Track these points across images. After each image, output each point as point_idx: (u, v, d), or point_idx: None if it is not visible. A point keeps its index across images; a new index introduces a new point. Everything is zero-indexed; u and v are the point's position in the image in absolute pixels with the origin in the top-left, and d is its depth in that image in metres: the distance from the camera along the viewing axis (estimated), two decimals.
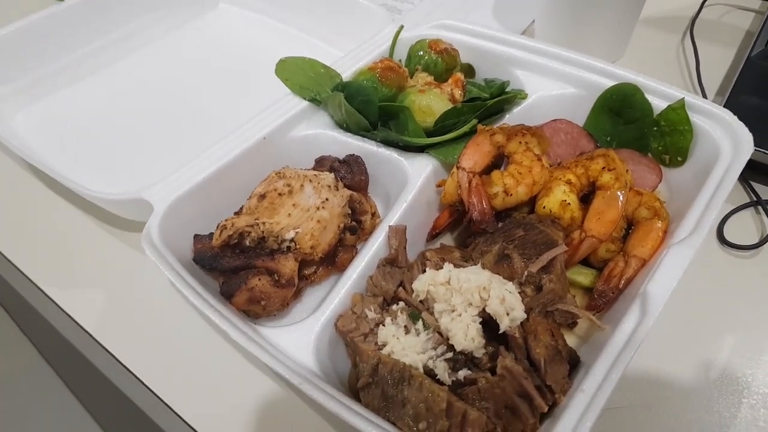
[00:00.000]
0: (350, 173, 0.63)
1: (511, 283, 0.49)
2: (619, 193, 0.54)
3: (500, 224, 0.55)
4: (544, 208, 0.55)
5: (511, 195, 0.56)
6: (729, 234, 0.64)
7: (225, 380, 0.54)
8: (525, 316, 0.47)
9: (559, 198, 0.55)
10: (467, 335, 0.46)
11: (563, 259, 0.51)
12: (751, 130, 0.60)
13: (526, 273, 0.49)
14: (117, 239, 0.67)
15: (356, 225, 0.58)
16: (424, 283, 0.50)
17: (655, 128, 0.65)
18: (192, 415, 0.52)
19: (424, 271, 0.54)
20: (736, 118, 0.61)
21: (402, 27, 0.74)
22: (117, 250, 0.65)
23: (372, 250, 0.56)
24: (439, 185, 0.62)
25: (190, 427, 0.51)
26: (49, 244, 0.67)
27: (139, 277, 0.63)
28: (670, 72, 0.84)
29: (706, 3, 0.94)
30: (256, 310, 0.53)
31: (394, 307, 0.50)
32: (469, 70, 0.75)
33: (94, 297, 0.62)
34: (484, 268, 0.52)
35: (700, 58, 0.84)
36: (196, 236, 0.58)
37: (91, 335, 0.59)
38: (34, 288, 0.63)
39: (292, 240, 0.54)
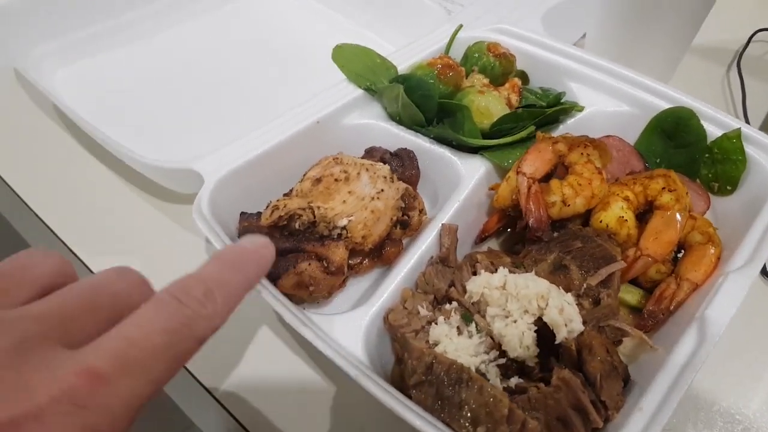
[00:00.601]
0: (401, 167, 0.62)
1: (569, 294, 0.48)
2: (678, 215, 0.54)
3: (555, 234, 0.55)
4: (600, 222, 0.55)
5: (569, 206, 0.55)
6: None
7: (264, 364, 0.53)
8: (583, 328, 0.46)
9: (617, 214, 0.55)
10: (522, 342, 0.45)
11: (620, 275, 0.51)
12: None
13: (585, 285, 0.48)
14: (156, 209, 0.65)
15: (407, 219, 0.57)
16: (479, 285, 0.49)
17: (707, 155, 0.65)
18: (226, 397, 0.51)
19: (474, 273, 0.54)
20: None
21: (461, 26, 0.74)
22: (156, 220, 0.64)
23: (423, 246, 0.55)
24: (492, 188, 0.61)
25: (225, 408, 0.50)
26: (83, 209, 0.66)
27: (177, 250, 0.61)
28: (716, 102, 0.84)
29: (753, 38, 0.94)
30: (301, 295, 0.52)
31: (447, 306, 0.49)
32: (523, 77, 0.74)
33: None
34: (538, 276, 0.51)
35: (746, 91, 0.84)
36: (242, 214, 0.56)
37: None
38: (69, 253, 0.62)
39: (344, 228, 0.53)
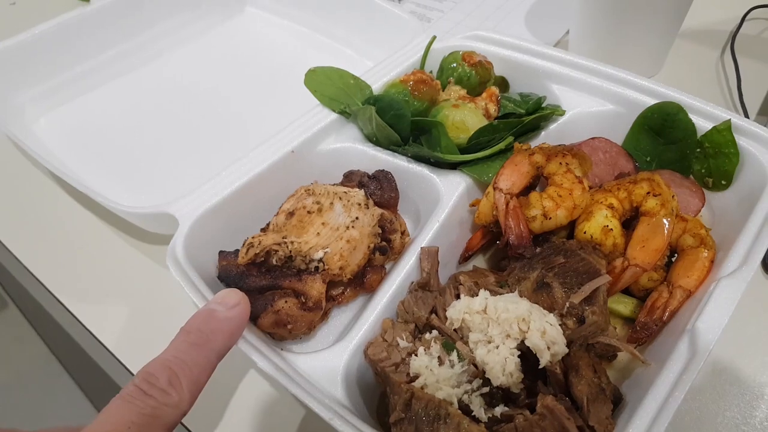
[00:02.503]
0: (380, 189, 0.61)
1: (551, 314, 0.46)
2: (664, 220, 0.52)
3: (538, 249, 0.53)
4: (584, 233, 0.53)
5: (550, 218, 0.53)
6: None
7: (247, 402, 0.52)
8: (567, 350, 0.45)
9: (601, 223, 0.53)
10: (505, 370, 0.44)
11: (606, 289, 0.49)
12: None
13: (567, 304, 0.47)
14: (139, 251, 0.65)
15: (386, 245, 0.56)
16: (459, 311, 0.48)
17: (698, 150, 0.62)
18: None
19: (458, 296, 0.52)
20: None
21: (434, 38, 0.72)
22: (139, 262, 0.64)
23: (403, 272, 0.54)
24: (472, 205, 0.59)
25: None
26: (68, 254, 0.66)
27: (161, 292, 0.61)
28: (710, 89, 0.81)
29: (747, 17, 0.90)
30: (281, 333, 0.51)
31: (428, 335, 0.48)
32: (502, 83, 0.73)
33: (114, 311, 0.60)
34: (521, 296, 0.49)
35: (741, 75, 0.80)
36: (221, 253, 0.56)
37: (109, 351, 0.57)
38: (51, 298, 0.62)
39: (320, 260, 0.52)
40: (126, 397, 0.31)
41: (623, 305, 0.54)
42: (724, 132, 0.60)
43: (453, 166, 0.62)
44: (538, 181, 0.58)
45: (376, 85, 0.69)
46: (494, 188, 0.55)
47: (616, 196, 0.55)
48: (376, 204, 0.60)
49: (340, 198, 0.55)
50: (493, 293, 0.51)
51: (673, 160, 0.64)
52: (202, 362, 0.34)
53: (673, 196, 0.53)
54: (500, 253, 0.60)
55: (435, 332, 0.48)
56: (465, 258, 0.59)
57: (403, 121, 0.61)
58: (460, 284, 0.53)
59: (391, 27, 0.81)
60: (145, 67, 0.87)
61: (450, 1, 0.98)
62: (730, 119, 0.60)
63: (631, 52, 0.81)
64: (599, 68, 0.67)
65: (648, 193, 0.53)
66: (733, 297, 0.46)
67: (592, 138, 0.65)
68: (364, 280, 0.56)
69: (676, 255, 0.55)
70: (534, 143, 0.64)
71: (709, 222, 0.61)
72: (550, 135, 0.65)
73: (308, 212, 0.54)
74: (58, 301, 0.62)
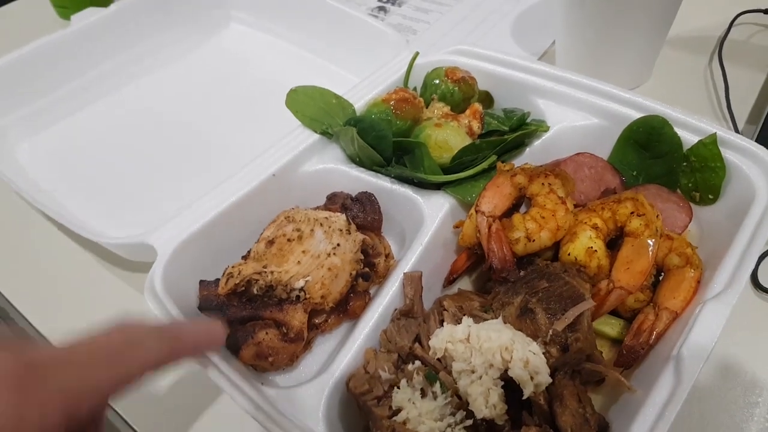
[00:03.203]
0: (363, 212, 0.60)
1: (535, 342, 0.45)
2: (649, 241, 0.51)
3: (522, 272, 0.52)
4: (569, 255, 0.52)
5: (534, 241, 0.53)
6: (763, 276, 0.60)
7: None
8: (550, 380, 0.44)
9: (585, 244, 0.52)
10: (488, 402, 0.43)
11: (590, 314, 0.48)
12: None
13: (551, 332, 0.46)
14: (121, 280, 0.64)
15: (369, 271, 0.55)
16: (441, 341, 0.47)
17: (684, 164, 0.61)
18: None
19: (442, 322, 0.52)
20: None
21: (417, 54, 0.72)
22: (121, 290, 0.63)
23: (387, 297, 0.53)
24: (456, 226, 0.59)
25: None
26: (48, 281, 0.65)
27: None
28: (699, 97, 0.80)
29: (735, 22, 0.89)
30: (263, 366, 0.50)
31: (410, 366, 0.47)
32: (487, 98, 0.72)
33: None
34: (505, 322, 0.49)
35: (729, 82, 0.80)
36: (201, 282, 0.55)
37: None
38: (31, 327, 0.61)
39: (301, 289, 0.51)
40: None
41: (610, 327, 0.53)
42: (710, 146, 0.59)
43: (437, 186, 0.61)
44: (522, 201, 0.58)
45: (359, 104, 0.68)
46: (476, 211, 0.54)
47: (601, 215, 0.54)
48: (360, 227, 0.59)
49: (321, 224, 0.54)
50: (477, 319, 0.50)
51: (659, 174, 0.63)
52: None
53: (657, 216, 0.52)
54: (486, 273, 0.59)
55: (418, 363, 0.48)
56: (450, 281, 0.58)
57: (385, 142, 0.60)
58: (445, 310, 0.52)
59: (375, 42, 0.80)
60: (126, 89, 0.86)
61: (436, 12, 0.97)
62: (715, 133, 0.59)
63: (619, 61, 0.80)
64: (583, 81, 0.66)
65: (632, 213, 0.52)
66: (718, 322, 0.45)
67: (578, 153, 0.64)
68: (347, 306, 0.55)
69: (662, 274, 0.54)
70: (519, 160, 0.64)
71: (697, 237, 0.60)
72: (534, 151, 0.65)
73: (288, 240, 0.53)
74: (38, 331, 0.61)
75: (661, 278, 0.54)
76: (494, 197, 0.54)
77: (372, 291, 0.58)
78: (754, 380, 0.53)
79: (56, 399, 0.28)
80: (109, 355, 0.31)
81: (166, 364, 0.34)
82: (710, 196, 0.60)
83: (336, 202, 0.62)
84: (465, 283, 0.61)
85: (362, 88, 0.70)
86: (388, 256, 0.60)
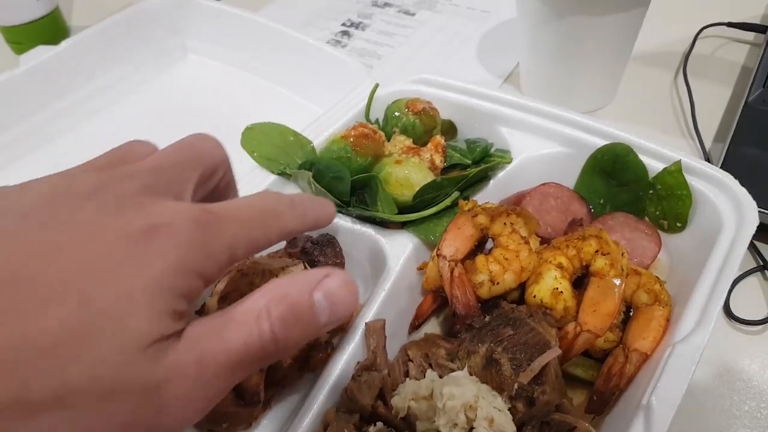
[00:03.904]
0: (324, 256, 0.58)
1: (500, 398, 0.44)
2: (615, 281, 0.49)
3: (487, 317, 0.50)
4: (534, 297, 0.51)
5: (498, 284, 0.51)
6: (736, 304, 0.59)
7: None
8: None
9: (551, 285, 0.50)
10: None
11: (557, 362, 0.46)
12: (754, 187, 0.55)
13: (516, 385, 0.44)
14: None
15: None
16: (404, 399, 0.45)
17: (651, 191, 0.60)
18: None
19: (407, 373, 0.50)
20: (737, 182, 0.56)
21: (377, 86, 0.70)
22: None
23: (350, 348, 0.51)
24: (420, 268, 0.57)
25: None
26: None
27: None
28: (665, 115, 0.80)
29: (700, 36, 0.89)
30: (218, 431, 0.48)
31: (372, 429, 0.45)
32: (450, 128, 0.70)
33: None
34: (471, 373, 0.47)
35: (696, 98, 0.79)
36: None
37: None
38: None
39: None
40: (260, 195, 0.42)
41: (581, 369, 0.51)
42: (675, 173, 0.58)
43: (402, 225, 0.59)
44: (486, 240, 0.56)
45: (319, 140, 0.66)
46: (438, 255, 0.52)
47: (566, 254, 0.52)
48: None
49: (277, 276, 0.52)
50: (443, 369, 0.49)
51: (627, 202, 0.62)
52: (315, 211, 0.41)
53: (623, 254, 0.51)
54: (452, 318, 0.57)
55: (380, 424, 0.45)
56: (415, 326, 0.56)
57: (343, 183, 0.58)
58: (410, 360, 0.50)
59: (336, 70, 0.78)
60: (82, 127, 0.82)
61: (400, 36, 0.95)
62: (680, 160, 0.58)
63: (583, 83, 0.79)
64: (545, 109, 0.65)
65: (597, 251, 0.51)
66: (688, 368, 0.43)
67: (543, 184, 0.63)
68: (308, 360, 0.53)
69: (632, 313, 0.53)
70: (483, 193, 0.62)
71: (667, 266, 0.59)
72: (499, 183, 0.63)
73: (242, 295, 0.50)
74: None
75: (631, 314, 0.53)
76: (455, 240, 0.52)
77: (336, 339, 0.56)
78: (729, 417, 0.51)
79: (226, 250, 0.30)
80: (262, 218, 0.34)
81: (292, 236, 0.40)
82: (678, 224, 0.59)
83: (296, 246, 0.59)
84: (433, 325, 0.59)
85: (322, 122, 0.68)
86: None
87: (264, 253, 0.57)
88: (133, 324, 0.26)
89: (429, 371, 0.47)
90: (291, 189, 0.63)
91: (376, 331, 0.51)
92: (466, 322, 0.50)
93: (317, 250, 0.58)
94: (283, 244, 0.60)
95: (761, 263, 0.62)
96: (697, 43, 0.88)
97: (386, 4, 1.03)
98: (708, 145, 0.74)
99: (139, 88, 0.88)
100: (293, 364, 0.52)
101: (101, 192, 0.29)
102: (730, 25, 0.90)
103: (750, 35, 0.89)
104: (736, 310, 0.58)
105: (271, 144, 0.64)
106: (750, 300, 0.59)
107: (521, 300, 0.53)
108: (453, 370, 0.48)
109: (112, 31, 0.86)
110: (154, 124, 0.84)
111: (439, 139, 0.65)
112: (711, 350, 0.54)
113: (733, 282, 0.60)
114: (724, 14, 0.91)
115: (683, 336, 0.47)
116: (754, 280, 0.61)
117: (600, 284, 0.50)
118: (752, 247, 0.63)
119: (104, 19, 0.86)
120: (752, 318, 0.57)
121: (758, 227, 0.53)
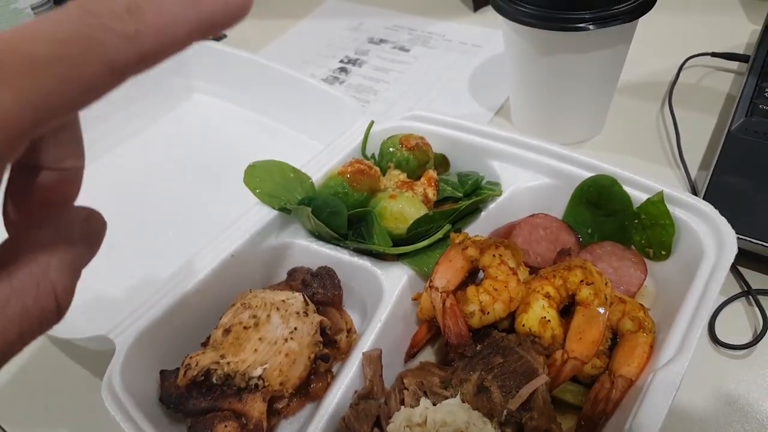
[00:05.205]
0: (323, 288, 0.60)
1: (490, 424, 0.46)
2: (599, 309, 0.52)
3: (479, 346, 0.53)
4: (523, 326, 0.53)
5: (488, 313, 0.53)
6: (721, 329, 0.61)
7: None
8: None
9: (539, 314, 0.53)
10: None
11: (546, 389, 0.49)
12: (737, 214, 0.58)
13: (505, 412, 0.46)
14: (85, 371, 0.64)
15: (328, 353, 0.56)
16: (399, 427, 0.47)
17: (636, 221, 0.63)
18: None
19: (403, 401, 0.52)
20: (717, 212, 0.59)
21: (372, 123, 0.73)
22: (83, 382, 0.63)
23: (347, 378, 0.53)
24: (415, 299, 0.59)
25: None
26: (6, 375, 0.65)
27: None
28: (652, 145, 0.82)
29: (684, 66, 0.92)
30: None
31: None
32: (443, 161, 0.73)
33: None
34: (464, 400, 0.49)
35: (681, 127, 0.82)
36: (162, 372, 0.55)
37: None
38: None
39: (259, 377, 0.51)
40: (60, 11, 0.20)
41: (570, 394, 0.53)
42: (657, 203, 0.61)
43: (397, 257, 0.62)
44: (477, 271, 0.58)
45: (317, 176, 0.69)
46: (430, 287, 0.55)
47: (553, 283, 0.55)
48: (321, 302, 0.60)
49: (278, 308, 0.54)
50: (437, 397, 0.51)
51: (613, 232, 0.64)
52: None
53: (606, 283, 0.53)
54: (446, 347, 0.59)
55: None
56: (411, 355, 0.58)
57: (340, 218, 0.61)
58: (405, 388, 0.53)
59: (334, 108, 0.81)
60: (91, 166, 0.86)
61: (395, 72, 0.99)
62: (662, 191, 0.61)
63: (571, 115, 0.82)
64: (533, 143, 0.68)
65: (582, 281, 0.53)
66: (667, 394, 0.45)
67: (532, 215, 0.65)
68: (309, 388, 0.55)
69: (618, 340, 0.55)
70: (474, 225, 0.65)
71: (653, 293, 0.61)
72: (490, 215, 0.66)
73: (244, 328, 0.53)
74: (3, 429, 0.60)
75: (616, 341, 0.55)
76: (447, 272, 0.55)
77: (336, 367, 0.59)
78: None
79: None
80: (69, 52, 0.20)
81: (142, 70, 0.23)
82: (663, 252, 0.61)
83: (296, 278, 0.62)
84: (428, 353, 0.61)
85: (321, 159, 0.71)
86: (350, 331, 0.60)
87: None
88: None
89: (423, 399, 0.49)
90: (292, 223, 0.66)
91: (373, 360, 0.53)
92: (459, 351, 0.52)
93: (316, 282, 0.61)
94: (284, 274, 0.63)
95: (746, 289, 0.64)
96: (682, 73, 0.91)
97: (382, 41, 1.07)
98: (693, 173, 0.77)
99: (145, 127, 0.91)
100: (294, 393, 0.54)
101: None
102: (714, 55, 0.93)
103: (734, 64, 0.93)
104: (721, 335, 0.60)
105: (273, 181, 0.67)
106: (735, 325, 0.61)
107: (511, 328, 0.55)
108: (447, 398, 0.50)
109: None
110: (158, 163, 0.87)
111: (431, 173, 0.68)
112: (697, 374, 0.56)
113: (719, 307, 0.63)
114: (708, 44, 0.95)
115: (665, 362, 0.49)
116: (739, 305, 0.63)
117: (585, 313, 0.52)
118: (737, 273, 0.65)
119: None
120: (738, 342, 0.59)
121: (743, 253, 0.55)
